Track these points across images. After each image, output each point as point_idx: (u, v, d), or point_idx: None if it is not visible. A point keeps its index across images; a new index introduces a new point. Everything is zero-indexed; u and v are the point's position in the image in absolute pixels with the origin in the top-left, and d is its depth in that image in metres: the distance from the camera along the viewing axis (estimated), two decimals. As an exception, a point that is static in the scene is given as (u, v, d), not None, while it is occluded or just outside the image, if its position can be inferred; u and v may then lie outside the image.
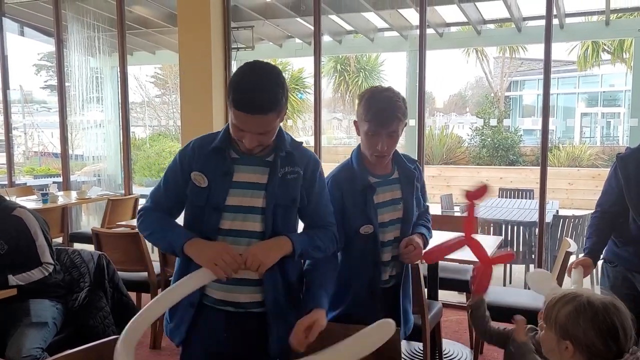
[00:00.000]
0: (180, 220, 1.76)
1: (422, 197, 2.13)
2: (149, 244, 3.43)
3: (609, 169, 2.43)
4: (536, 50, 16.39)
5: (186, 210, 1.75)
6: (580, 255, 2.38)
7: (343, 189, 1.96)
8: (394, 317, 1.97)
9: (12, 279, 2.48)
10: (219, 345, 1.70)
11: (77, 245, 4.78)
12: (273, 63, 1.67)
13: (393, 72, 18.97)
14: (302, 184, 1.72)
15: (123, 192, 6.01)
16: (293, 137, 1.78)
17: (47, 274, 2.59)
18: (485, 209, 6.26)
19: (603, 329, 1.29)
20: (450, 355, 3.50)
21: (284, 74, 1.63)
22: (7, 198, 2.79)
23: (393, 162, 2.04)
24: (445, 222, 3.71)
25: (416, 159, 2.17)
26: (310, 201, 1.74)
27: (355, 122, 1.97)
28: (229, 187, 1.65)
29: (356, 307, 2.01)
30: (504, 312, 3.05)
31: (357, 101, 1.95)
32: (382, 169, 2.01)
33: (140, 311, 1.51)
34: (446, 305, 3.92)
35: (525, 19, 7.15)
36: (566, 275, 2.34)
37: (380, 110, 1.85)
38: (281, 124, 1.67)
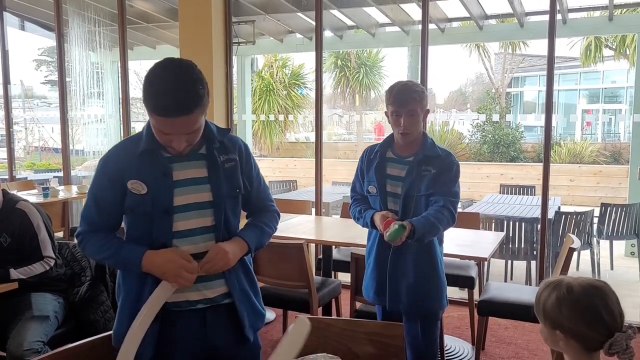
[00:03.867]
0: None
1: (437, 186, 2.24)
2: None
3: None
4: (537, 46, 16.39)
5: (128, 222, 1.68)
6: None
7: (365, 156, 2.40)
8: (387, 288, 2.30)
9: (14, 273, 2.48)
10: (200, 345, 1.68)
11: (78, 240, 4.77)
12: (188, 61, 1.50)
13: (394, 68, 18.95)
14: (241, 171, 1.73)
15: (124, 187, 5.99)
16: (218, 125, 1.75)
17: (48, 268, 2.59)
18: (487, 205, 6.26)
19: (585, 314, 1.25)
20: (452, 351, 3.50)
21: (198, 67, 1.56)
22: (10, 192, 2.78)
23: (420, 148, 2.29)
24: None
25: (450, 151, 2.38)
26: (251, 187, 1.77)
27: (385, 112, 2.32)
28: (172, 187, 1.61)
29: (379, 263, 2.34)
30: (506, 308, 3.07)
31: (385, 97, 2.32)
32: (405, 150, 2.31)
33: (121, 351, 1.52)
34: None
35: (527, 14, 7.11)
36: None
37: (399, 93, 2.22)
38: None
